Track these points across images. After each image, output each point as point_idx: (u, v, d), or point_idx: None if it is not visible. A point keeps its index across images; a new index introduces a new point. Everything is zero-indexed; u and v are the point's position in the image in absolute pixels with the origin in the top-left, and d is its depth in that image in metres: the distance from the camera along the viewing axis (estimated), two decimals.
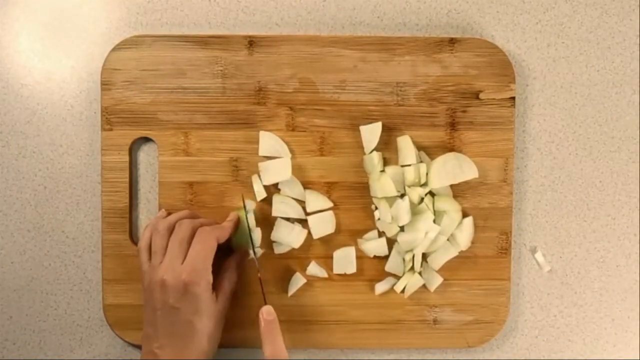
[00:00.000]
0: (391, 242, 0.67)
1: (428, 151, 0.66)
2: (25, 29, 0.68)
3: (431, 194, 0.66)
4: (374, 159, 0.65)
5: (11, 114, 0.68)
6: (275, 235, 0.66)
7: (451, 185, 0.66)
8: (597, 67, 0.69)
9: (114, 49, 0.65)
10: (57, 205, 0.68)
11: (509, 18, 0.69)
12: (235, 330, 0.66)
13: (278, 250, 0.66)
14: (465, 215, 0.67)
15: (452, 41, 0.66)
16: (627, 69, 0.70)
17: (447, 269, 0.67)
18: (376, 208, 0.66)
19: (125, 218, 0.66)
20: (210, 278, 0.59)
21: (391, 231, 0.65)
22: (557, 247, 0.70)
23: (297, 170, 0.66)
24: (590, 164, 0.70)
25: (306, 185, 0.66)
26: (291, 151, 0.66)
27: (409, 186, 0.65)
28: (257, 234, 0.63)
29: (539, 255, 0.70)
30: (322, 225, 0.66)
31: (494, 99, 0.66)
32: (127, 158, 0.66)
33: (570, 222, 0.70)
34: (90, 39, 0.68)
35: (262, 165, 0.65)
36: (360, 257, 0.67)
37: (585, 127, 0.70)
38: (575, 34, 0.69)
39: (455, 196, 0.67)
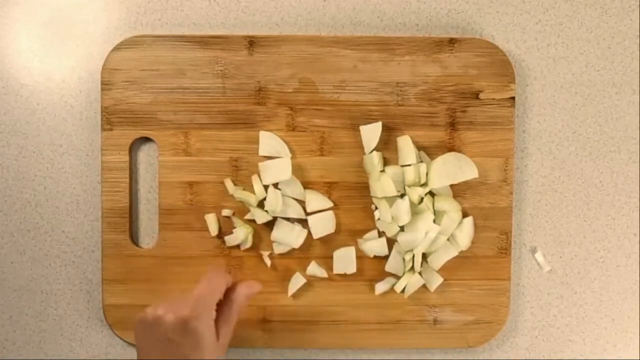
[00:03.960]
0: (391, 242, 0.67)
1: (428, 151, 0.66)
2: (25, 29, 0.68)
3: (431, 194, 0.66)
4: (374, 159, 0.65)
5: (11, 114, 0.68)
6: (275, 235, 0.66)
7: (451, 185, 0.66)
8: (597, 67, 0.69)
9: (114, 49, 0.65)
10: (57, 205, 0.68)
11: (509, 18, 0.69)
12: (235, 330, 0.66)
13: (278, 250, 0.66)
14: (465, 215, 0.67)
15: (452, 41, 0.66)
16: (627, 69, 0.70)
17: (447, 269, 0.67)
18: (376, 208, 0.66)
19: (125, 218, 0.66)
20: (213, 314, 0.58)
21: (391, 231, 0.65)
22: (557, 247, 0.70)
23: (297, 170, 0.66)
24: (590, 164, 0.70)
25: (306, 185, 0.66)
26: (291, 151, 0.66)
27: (409, 186, 0.65)
28: None
29: (539, 255, 0.70)
30: (322, 225, 0.66)
31: (493, 99, 0.66)
32: (127, 158, 0.66)
33: (570, 222, 0.70)
34: (90, 39, 0.68)
35: (262, 165, 0.65)
36: (360, 257, 0.67)
37: (585, 127, 0.70)
38: (575, 34, 0.69)
39: (455, 196, 0.67)
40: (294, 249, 0.66)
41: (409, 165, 0.65)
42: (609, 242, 0.70)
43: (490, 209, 0.67)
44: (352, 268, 0.66)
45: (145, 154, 0.67)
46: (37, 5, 0.67)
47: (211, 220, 0.66)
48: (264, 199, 0.65)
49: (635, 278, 0.71)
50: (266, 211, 0.65)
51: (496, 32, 0.69)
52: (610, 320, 0.71)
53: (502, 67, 0.66)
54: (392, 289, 0.67)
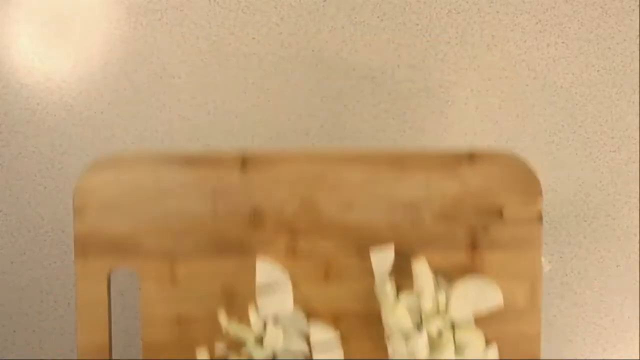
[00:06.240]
0: None
1: (446, 275, 0.59)
2: (26, 29, 0.68)
3: (451, 322, 0.59)
4: (386, 288, 0.58)
5: (11, 114, 0.68)
6: None
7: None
8: (597, 67, 0.69)
9: (88, 170, 0.56)
10: (57, 205, 0.68)
11: (509, 18, 0.69)
12: None
13: None
14: (487, 342, 0.59)
15: (471, 156, 0.59)
16: (627, 69, 0.70)
17: None
18: (389, 339, 0.58)
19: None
20: None
21: None
22: (557, 247, 0.70)
23: (300, 300, 0.59)
24: (590, 164, 0.70)
25: (310, 315, 0.59)
26: (293, 279, 0.59)
27: (426, 316, 0.58)
28: None
29: None
30: None
31: (518, 216, 0.59)
32: (105, 291, 0.56)
33: (570, 222, 0.70)
34: (90, 39, 0.68)
35: (259, 300, 0.57)
36: None
37: (585, 127, 0.70)
38: (575, 34, 0.69)
39: (476, 322, 0.59)
40: None
41: (426, 293, 0.58)
42: (609, 242, 0.70)
43: (516, 335, 0.59)
44: None
45: (127, 281, 0.65)
46: (37, 5, 0.67)
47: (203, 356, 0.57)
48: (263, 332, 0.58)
49: (635, 278, 0.71)
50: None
51: (496, 33, 0.69)
52: (610, 320, 0.71)
53: (526, 181, 0.58)
54: None
